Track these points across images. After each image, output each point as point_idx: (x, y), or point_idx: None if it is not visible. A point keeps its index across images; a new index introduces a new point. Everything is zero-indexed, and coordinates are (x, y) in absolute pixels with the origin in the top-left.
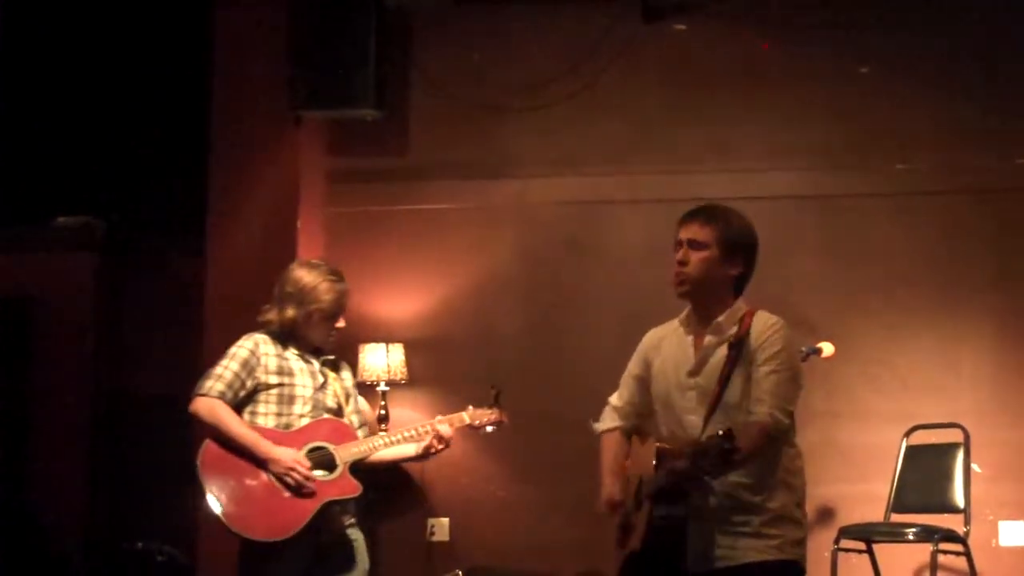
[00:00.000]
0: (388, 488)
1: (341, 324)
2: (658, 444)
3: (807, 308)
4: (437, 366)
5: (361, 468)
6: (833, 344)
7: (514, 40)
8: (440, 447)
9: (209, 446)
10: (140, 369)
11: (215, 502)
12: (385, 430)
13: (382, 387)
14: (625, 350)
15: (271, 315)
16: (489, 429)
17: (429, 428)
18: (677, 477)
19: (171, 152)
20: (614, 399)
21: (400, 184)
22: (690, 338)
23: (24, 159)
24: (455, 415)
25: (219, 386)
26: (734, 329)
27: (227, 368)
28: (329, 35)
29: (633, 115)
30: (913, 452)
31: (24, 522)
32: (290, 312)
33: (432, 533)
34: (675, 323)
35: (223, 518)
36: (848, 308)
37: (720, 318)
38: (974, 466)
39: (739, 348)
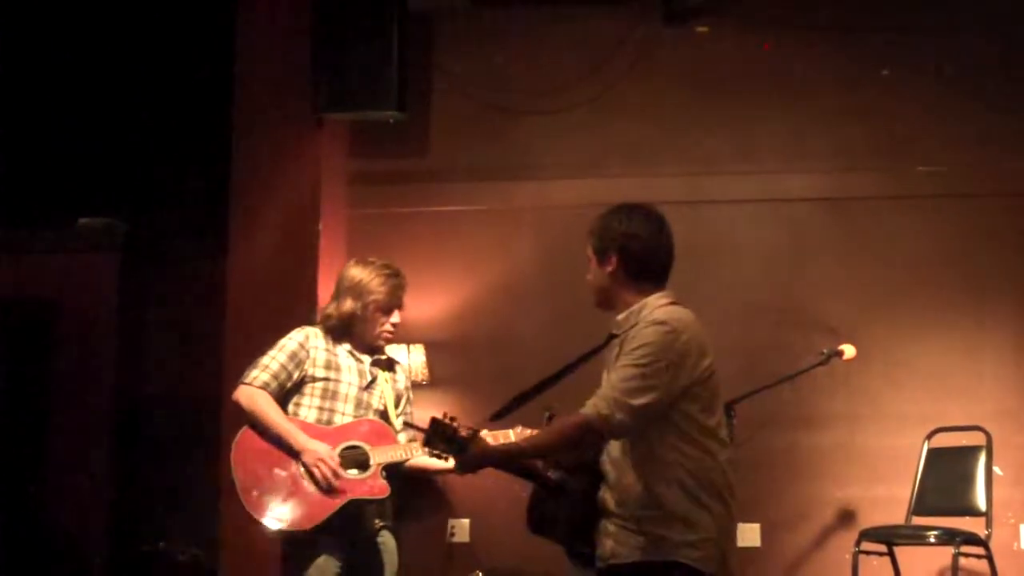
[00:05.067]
0: (408, 489)
1: (396, 320)
2: None
3: (828, 310)
4: (458, 367)
5: (397, 474)
6: (855, 346)
7: (536, 43)
8: None
9: (245, 433)
10: (162, 370)
11: (240, 486)
12: None
13: None
14: None
15: (330, 309)
16: None
17: None
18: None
19: (193, 153)
20: None
21: (421, 186)
22: None
23: (46, 161)
24: (501, 432)
25: (264, 376)
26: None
27: (274, 359)
28: (352, 37)
29: (654, 117)
30: (935, 455)
31: (46, 523)
32: (347, 305)
33: (452, 534)
34: None
35: (244, 502)
36: (870, 310)
37: (619, 317)
38: (996, 469)
39: (621, 344)
